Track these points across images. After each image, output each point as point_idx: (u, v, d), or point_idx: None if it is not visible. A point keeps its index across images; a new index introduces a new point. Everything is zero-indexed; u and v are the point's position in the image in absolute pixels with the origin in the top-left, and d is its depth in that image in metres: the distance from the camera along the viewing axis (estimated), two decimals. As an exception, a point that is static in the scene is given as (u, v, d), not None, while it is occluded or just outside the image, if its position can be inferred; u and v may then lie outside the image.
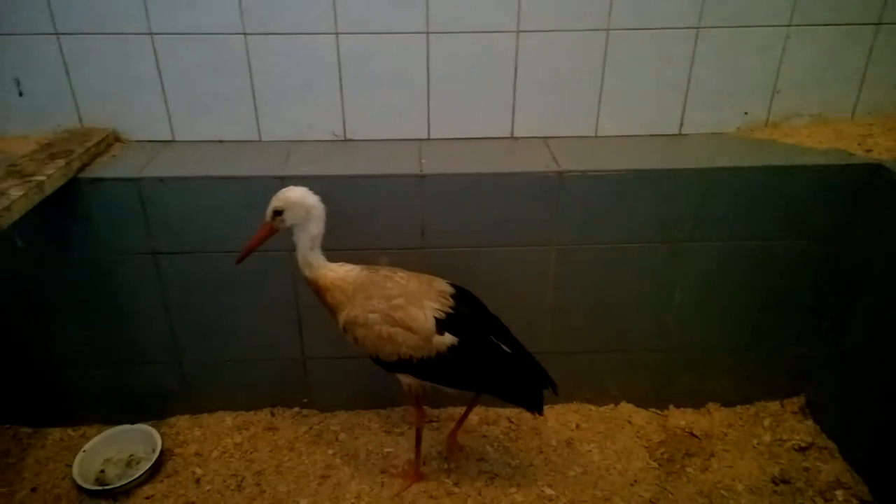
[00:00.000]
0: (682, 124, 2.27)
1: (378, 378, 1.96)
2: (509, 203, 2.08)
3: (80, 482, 2.09)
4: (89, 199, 2.01)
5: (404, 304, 1.76)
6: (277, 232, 1.80)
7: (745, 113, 2.26)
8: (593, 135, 2.27)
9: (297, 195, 1.74)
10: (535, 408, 1.89)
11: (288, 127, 2.24)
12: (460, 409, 2.39)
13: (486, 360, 1.81)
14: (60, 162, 1.93)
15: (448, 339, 1.75)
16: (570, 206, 2.08)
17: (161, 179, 2.00)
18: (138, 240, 2.07)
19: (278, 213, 1.74)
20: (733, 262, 2.18)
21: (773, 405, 2.44)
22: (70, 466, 2.15)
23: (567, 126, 2.26)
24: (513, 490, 2.11)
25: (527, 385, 1.88)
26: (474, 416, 2.39)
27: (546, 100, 2.21)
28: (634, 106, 2.23)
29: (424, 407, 2.26)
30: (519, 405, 1.94)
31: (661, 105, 2.23)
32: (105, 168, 2.05)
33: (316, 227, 1.76)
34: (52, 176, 1.86)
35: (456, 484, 2.13)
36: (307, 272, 1.81)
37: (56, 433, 2.36)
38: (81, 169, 2.02)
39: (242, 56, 2.12)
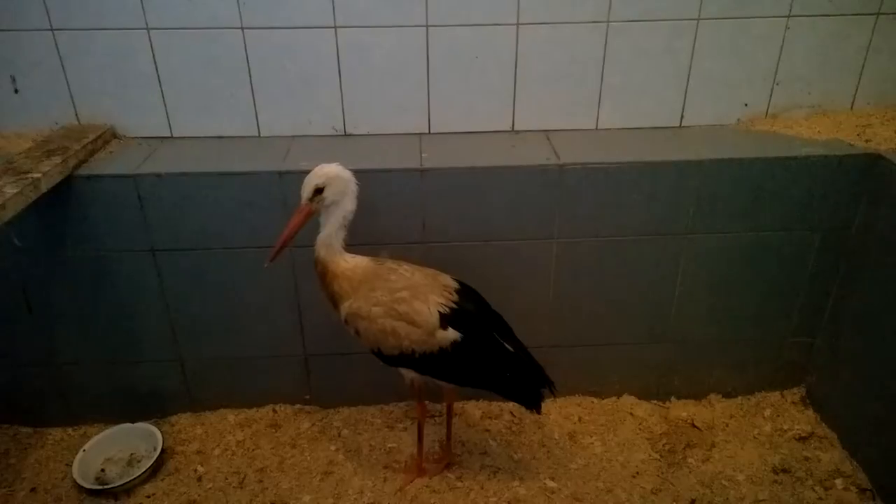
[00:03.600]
0: (682, 117, 2.26)
1: (380, 373, 1.94)
2: (510, 197, 2.07)
3: (80, 481, 2.07)
4: (86, 196, 1.99)
5: (408, 298, 1.75)
6: (313, 216, 1.74)
7: (746, 105, 2.26)
8: (594, 128, 2.27)
9: (336, 170, 1.70)
10: (534, 406, 1.89)
11: (287, 122, 2.22)
12: (463, 404, 2.40)
13: (489, 357, 1.81)
14: (56, 159, 1.90)
15: (451, 334, 1.74)
16: (572, 200, 2.08)
17: (158, 176, 1.98)
18: (136, 237, 2.05)
19: (319, 191, 1.69)
20: (734, 254, 2.18)
21: (774, 396, 2.45)
22: (70, 466, 2.14)
23: (568, 119, 2.25)
24: (515, 483, 2.11)
25: (527, 384, 1.87)
26: (476, 411, 2.40)
27: (546, 93, 2.21)
28: (635, 98, 2.23)
29: (426, 402, 2.25)
30: (518, 403, 1.93)
31: (661, 97, 2.23)
32: (102, 165, 2.03)
33: (351, 202, 1.73)
34: (47, 173, 1.83)
35: (458, 478, 2.13)
36: (323, 252, 1.77)
37: (56, 433, 2.34)
38: (78, 166, 1.99)
39: (240, 51, 2.10)
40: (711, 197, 2.09)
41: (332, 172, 1.71)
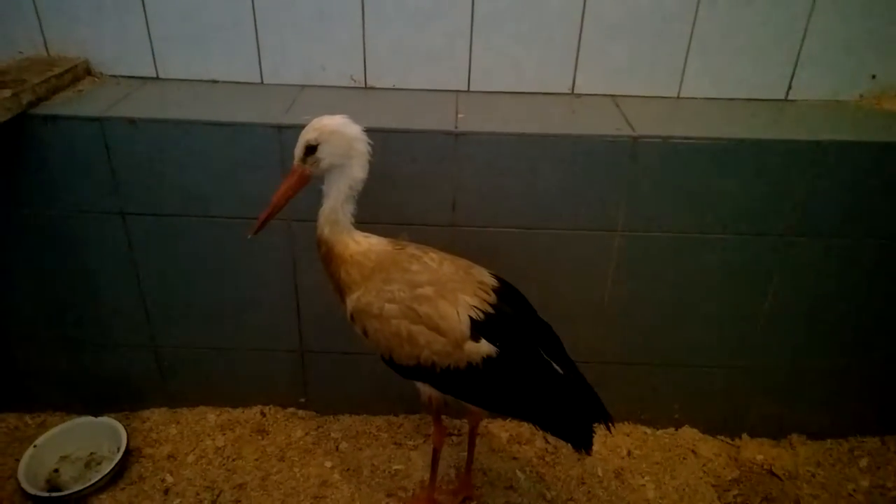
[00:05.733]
0: (789, 87, 1.80)
1: (391, 378, 1.55)
2: (566, 174, 1.65)
3: (24, 486, 1.73)
4: (45, 141, 1.63)
5: (433, 296, 1.35)
6: (310, 181, 1.37)
7: (873, 77, 1.79)
8: (675, 95, 1.83)
9: (336, 123, 1.33)
10: (584, 445, 1.47)
11: (296, 68, 1.83)
12: (487, 423, 2.00)
13: (531, 379, 1.40)
14: (6, 92, 1.54)
15: (485, 347, 1.34)
16: (644, 183, 1.65)
17: (130, 121, 1.60)
18: (103, 196, 1.69)
19: (311, 149, 1.33)
20: (845, 263, 1.74)
21: (872, 442, 2.00)
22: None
23: (643, 83, 1.81)
24: (547, 529, 1.72)
25: (577, 417, 1.45)
26: (503, 433, 1.99)
27: (618, 48, 1.77)
28: (731, 61, 1.77)
29: (444, 417, 1.86)
30: (563, 439, 1.51)
31: (765, 62, 1.77)
32: (65, 105, 1.66)
33: (359, 168, 1.35)
34: (-10, 108, 1.47)
35: (478, 517, 1.74)
36: (327, 230, 1.40)
37: (11, 419, 2.02)
38: (35, 104, 1.63)
39: (242, -24, 1.70)
40: (823, 189, 1.64)
41: (329, 126, 1.33)
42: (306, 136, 1.32)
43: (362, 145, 1.34)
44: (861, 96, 1.81)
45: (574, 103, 1.80)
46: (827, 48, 1.75)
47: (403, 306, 1.36)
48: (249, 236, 1.39)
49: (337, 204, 1.38)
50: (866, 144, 1.60)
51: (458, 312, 1.34)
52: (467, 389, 1.41)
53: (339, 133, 1.32)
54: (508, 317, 1.38)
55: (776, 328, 1.83)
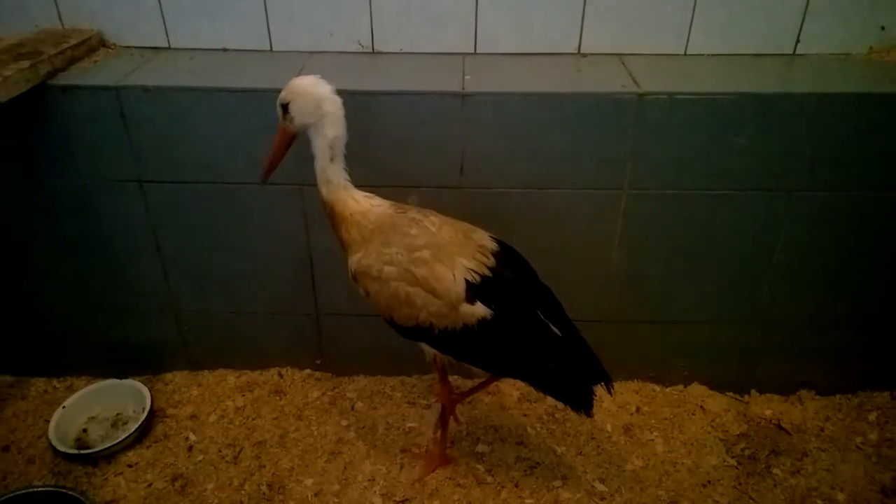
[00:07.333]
0: (797, 41, 1.79)
1: (403, 340, 1.60)
2: (572, 133, 1.66)
3: (55, 443, 1.81)
4: (62, 112, 1.67)
5: (429, 259, 1.39)
6: (295, 137, 1.45)
7: (882, 28, 1.77)
8: (682, 52, 1.82)
9: (305, 84, 1.38)
10: (583, 407, 1.51)
11: (304, 34, 1.85)
12: (497, 383, 2.04)
13: (527, 341, 1.43)
14: (24, 63, 1.58)
15: (479, 309, 1.37)
16: (651, 140, 1.66)
17: (145, 89, 1.64)
18: (121, 164, 1.74)
19: (285, 107, 1.40)
20: (854, 218, 1.74)
21: (881, 396, 2.01)
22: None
23: (649, 40, 1.81)
24: (557, 484, 1.76)
25: (575, 378, 1.49)
26: (514, 391, 2.03)
27: (624, 6, 1.76)
28: (738, 16, 1.76)
29: (454, 377, 1.91)
30: (562, 401, 1.54)
31: (773, 16, 1.76)
32: (81, 75, 1.70)
33: (332, 127, 1.38)
34: (9, 78, 1.52)
35: (489, 471, 1.79)
36: (324, 191, 1.45)
37: (40, 384, 2.10)
38: (53, 74, 1.67)
39: (249, -58, 1.72)
40: (832, 143, 1.64)
41: (298, 87, 1.38)
42: (280, 95, 1.39)
43: (331, 105, 1.37)
44: (871, 49, 1.79)
45: (580, 62, 1.80)
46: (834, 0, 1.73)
47: (401, 269, 1.40)
48: (262, 183, 1.53)
49: (324, 164, 1.42)
50: (875, 96, 1.59)
51: (454, 275, 1.37)
52: (465, 350, 1.46)
53: (306, 93, 1.37)
54: (506, 280, 1.41)
55: (784, 284, 1.84)
